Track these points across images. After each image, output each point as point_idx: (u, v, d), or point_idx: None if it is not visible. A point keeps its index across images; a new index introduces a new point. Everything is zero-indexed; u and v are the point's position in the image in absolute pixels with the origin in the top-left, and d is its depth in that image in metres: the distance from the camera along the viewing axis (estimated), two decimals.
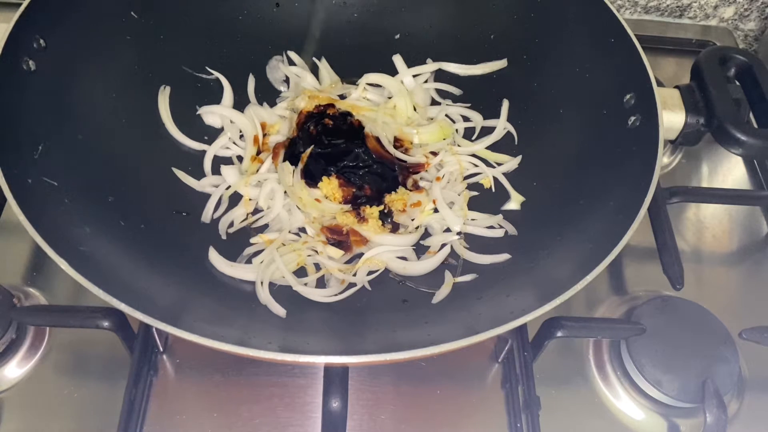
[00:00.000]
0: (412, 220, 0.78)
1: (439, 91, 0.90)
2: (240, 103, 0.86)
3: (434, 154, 0.83)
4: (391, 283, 0.74)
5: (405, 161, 0.82)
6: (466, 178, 0.82)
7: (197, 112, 0.84)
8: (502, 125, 0.85)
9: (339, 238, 0.76)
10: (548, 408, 0.69)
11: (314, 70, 0.90)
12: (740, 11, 1.13)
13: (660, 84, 0.88)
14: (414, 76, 0.89)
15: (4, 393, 0.70)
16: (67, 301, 0.75)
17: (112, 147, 0.75)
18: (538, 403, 0.68)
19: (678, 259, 0.77)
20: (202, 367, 0.72)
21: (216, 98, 0.86)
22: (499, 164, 0.83)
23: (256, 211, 0.78)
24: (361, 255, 0.74)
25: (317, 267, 0.74)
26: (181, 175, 0.79)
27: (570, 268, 0.63)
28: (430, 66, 0.90)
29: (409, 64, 0.90)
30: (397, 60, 0.90)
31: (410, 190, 0.80)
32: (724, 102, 0.76)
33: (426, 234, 0.78)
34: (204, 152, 0.82)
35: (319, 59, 0.90)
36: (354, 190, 0.78)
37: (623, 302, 0.80)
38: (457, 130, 0.86)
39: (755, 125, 0.79)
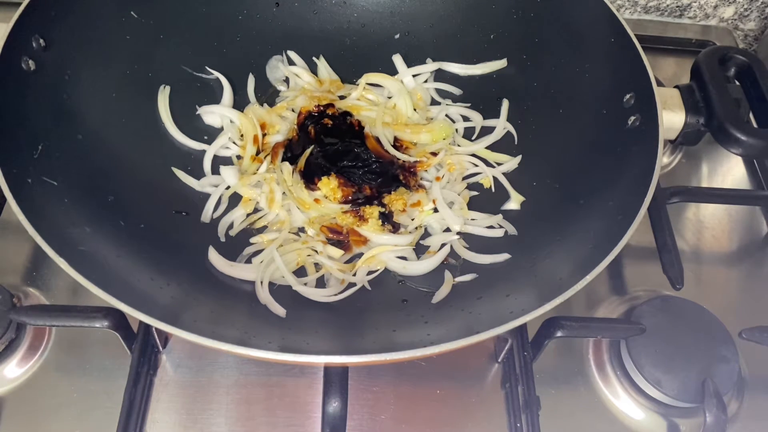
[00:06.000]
0: (412, 220, 0.78)
1: (439, 91, 0.90)
2: (240, 103, 0.86)
3: (434, 154, 0.83)
4: (391, 283, 0.74)
5: (405, 161, 0.82)
6: (465, 178, 0.82)
7: (197, 112, 0.84)
8: (502, 125, 0.85)
9: (339, 237, 0.76)
10: (548, 408, 0.69)
11: (313, 69, 0.90)
12: (740, 11, 1.13)
13: (660, 84, 0.88)
14: (414, 75, 0.89)
15: (4, 393, 0.70)
16: (67, 301, 0.75)
17: (112, 147, 0.75)
18: (538, 403, 0.68)
19: (678, 259, 0.77)
20: (202, 367, 0.72)
21: (216, 98, 0.86)
22: (499, 164, 0.83)
23: (257, 210, 0.78)
24: (361, 255, 0.74)
25: (317, 267, 0.74)
26: (181, 175, 0.79)
27: (570, 268, 0.63)
28: (430, 66, 0.90)
29: (409, 64, 0.90)
30: (397, 60, 0.90)
31: (410, 190, 0.80)
32: (724, 102, 0.76)
33: (426, 234, 0.78)
34: (204, 152, 0.82)
35: (318, 58, 0.90)
36: (353, 189, 0.78)
37: (623, 302, 0.80)
38: (457, 130, 0.86)
39: (755, 125, 0.79)
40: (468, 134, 0.86)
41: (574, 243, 0.68)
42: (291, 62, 0.90)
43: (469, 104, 0.88)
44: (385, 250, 0.74)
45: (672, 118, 0.77)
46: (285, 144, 0.82)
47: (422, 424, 0.71)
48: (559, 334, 0.70)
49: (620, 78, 0.75)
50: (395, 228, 0.77)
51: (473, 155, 0.83)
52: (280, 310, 0.68)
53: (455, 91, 0.90)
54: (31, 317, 0.69)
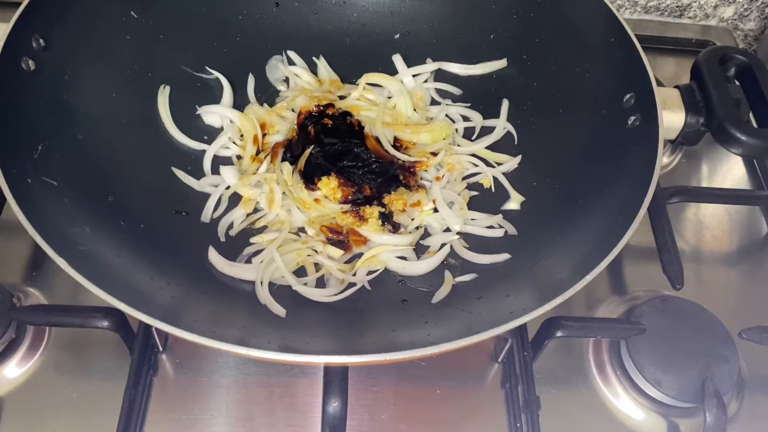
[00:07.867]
0: (412, 220, 0.78)
1: (439, 91, 0.90)
2: (240, 103, 0.86)
3: (434, 154, 0.83)
4: (391, 283, 0.74)
5: (405, 161, 0.82)
6: (465, 177, 0.82)
7: (197, 112, 0.84)
8: (501, 125, 0.85)
9: (339, 237, 0.76)
10: (548, 408, 0.69)
11: (313, 69, 0.90)
12: (740, 11, 1.13)
13: (660, 84, 0.88)
14: (414, 75, 0.89)
15: (4, 393, 0.70)
16: (67, 301, 0.75)
17: (112, 147, 0.75)
18: (538, 403, 0.68)
19: (678, 259, 0.77)
20: (202, 367, 0.72)
21: (216, 98, 0.86)
22: (499, 164, 0.83)
23: (257, 210, 0.78)
24: (361, 255, 0.74)
25: (317, 267, 0.74)
26: (181, 174, 0.79)
27: (570, 268, 0.63)
28: (430, 66, 0.90)
29: (409, 63, 0.90)
30: (397, 60, 0.90)
31: (410, 190, 0.80)
32: (724, 102, 0.76)
33: (426, 234, 0.78)
34: (204, 152, 0.82)
35: (318, 58, 0.90)
36: (353, 189, 0.78)
37: (623, 302, 0.80)
38: (457, 130, 0.86)
39: (755, 125, 0.79)
40: (468, 134, 0.86)
41: (574, 243, 0.68)
42: (291, 62, 0.90)
43: (469, 104, 0.88)
44: (385, 250, 0.74)
45: (672, 118, 0.77)
46: (285, 144, 0.82)
47: (422, 424, 0.71)
48: (559, 334, 0.70)
49: (620, 78, 0.75)
50: (395, 228, 0.77)
51: (473, 155, 0.83)
52: (280, 310, 0.68)
53: (455, 91, 0.90)
54: (31, 317, 0.69)
